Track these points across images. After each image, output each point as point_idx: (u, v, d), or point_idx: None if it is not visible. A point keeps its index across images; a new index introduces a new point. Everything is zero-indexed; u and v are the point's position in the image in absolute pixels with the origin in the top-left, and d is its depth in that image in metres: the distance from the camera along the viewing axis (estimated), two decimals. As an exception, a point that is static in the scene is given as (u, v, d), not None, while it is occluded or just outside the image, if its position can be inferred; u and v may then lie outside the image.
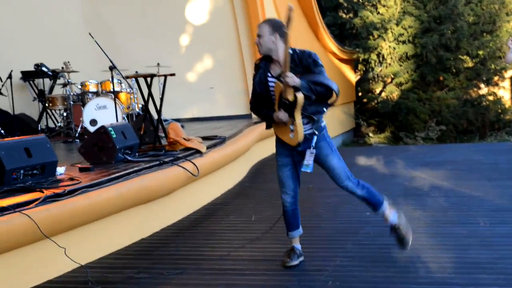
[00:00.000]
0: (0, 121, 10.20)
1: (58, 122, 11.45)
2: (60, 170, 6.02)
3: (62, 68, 10.89)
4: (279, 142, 4.83)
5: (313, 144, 4.62)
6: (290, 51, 4.48)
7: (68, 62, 11.03)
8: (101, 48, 7.69)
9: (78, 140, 9.84)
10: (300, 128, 4.58)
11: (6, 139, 5.98)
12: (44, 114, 11.38)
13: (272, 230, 5.65)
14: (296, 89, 4.47)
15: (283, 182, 4.83)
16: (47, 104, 11.03)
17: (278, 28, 4.51)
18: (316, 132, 4.63)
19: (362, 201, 4.89)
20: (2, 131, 9.85)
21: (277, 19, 4.66)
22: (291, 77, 4.43)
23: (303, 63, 4.53)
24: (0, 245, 4.35)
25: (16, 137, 5.91)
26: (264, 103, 4.74)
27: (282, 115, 4.58)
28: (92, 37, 7.67)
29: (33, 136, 5.93)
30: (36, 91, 11.68)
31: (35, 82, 11.86)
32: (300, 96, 4.47)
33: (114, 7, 13.42)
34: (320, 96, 4.53)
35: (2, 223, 4.38)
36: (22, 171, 5.48)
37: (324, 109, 4.64)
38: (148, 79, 7.84)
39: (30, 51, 11.68)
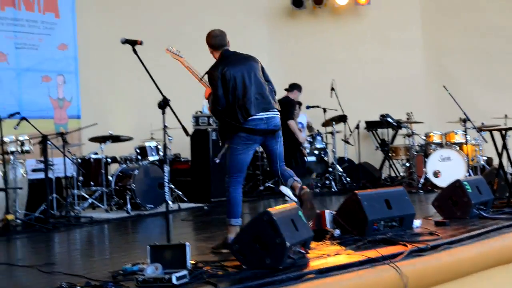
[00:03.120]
0: (347, 169, 10.69)
1: (399, 172, 11.59)
2: (417, 223, 6.03)
3: (407, 118, 11.02)
4: None
5: None
6: None
7: (411, 112, 11.14)
8: (455, 100, 7.61)
9: (421, 191, 9.83)
10: None
11: (367, 190, 6.19)
12: (386, 163, 11.65)
13: None
14: None
15: None
16: (389, 154, 11.30)
17: None
18: None
19: None
20: (348, 179, 10.29)
21: None
22: None
23: None
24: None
25: (376, 189, 6.09)
26: None
27: None
28: (446, 90, 7.62)
29: (392, 188, 6.06)
30: (379, 140, 12.06)
31: (378, 132, 12.26)
32: None
33: (457, 57, 13.21)
34: None
35: (371, 273, 4.48)
36: (382, 222, 5.63)
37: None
38: (503, 132, 7.55)
39: (375, 103, 12.13)
